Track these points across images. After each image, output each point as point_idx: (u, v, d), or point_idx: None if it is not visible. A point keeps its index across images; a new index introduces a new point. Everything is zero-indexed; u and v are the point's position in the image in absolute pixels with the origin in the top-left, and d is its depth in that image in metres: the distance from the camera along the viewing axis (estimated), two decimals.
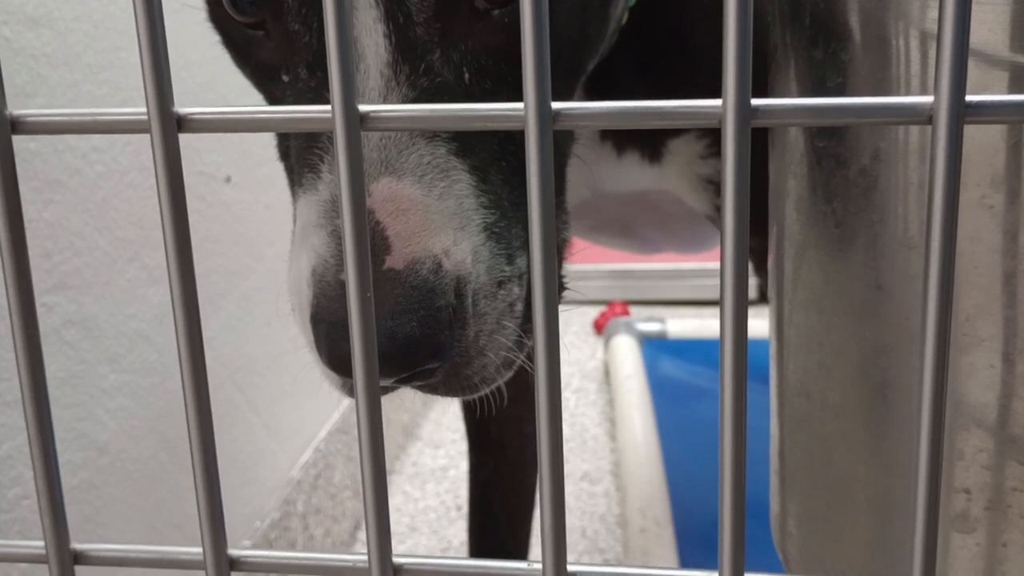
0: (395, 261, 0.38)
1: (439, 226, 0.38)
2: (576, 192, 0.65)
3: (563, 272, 0.50)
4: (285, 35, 0.42)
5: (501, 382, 0.42)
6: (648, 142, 0.61)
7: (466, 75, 0.41)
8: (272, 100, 0.46)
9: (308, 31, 0.41)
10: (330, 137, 0.40)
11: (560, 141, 0.49)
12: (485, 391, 0.42)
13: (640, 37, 0.56)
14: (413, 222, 0.38)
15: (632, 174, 0.63)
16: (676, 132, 0.60)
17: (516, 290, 0.41)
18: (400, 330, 0.37)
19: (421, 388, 0.41)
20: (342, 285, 0.36)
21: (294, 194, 0.44)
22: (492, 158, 0.41)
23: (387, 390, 0.42)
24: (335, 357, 0.38)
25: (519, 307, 0.41)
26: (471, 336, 0.39)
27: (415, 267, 0.38)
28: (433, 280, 0.38)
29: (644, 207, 0.69)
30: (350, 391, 0.43)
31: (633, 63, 0.57)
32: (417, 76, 0.39)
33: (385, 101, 0.39)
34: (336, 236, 0.39)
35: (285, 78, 0.43)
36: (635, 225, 0.73)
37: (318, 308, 0.39)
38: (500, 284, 0.40)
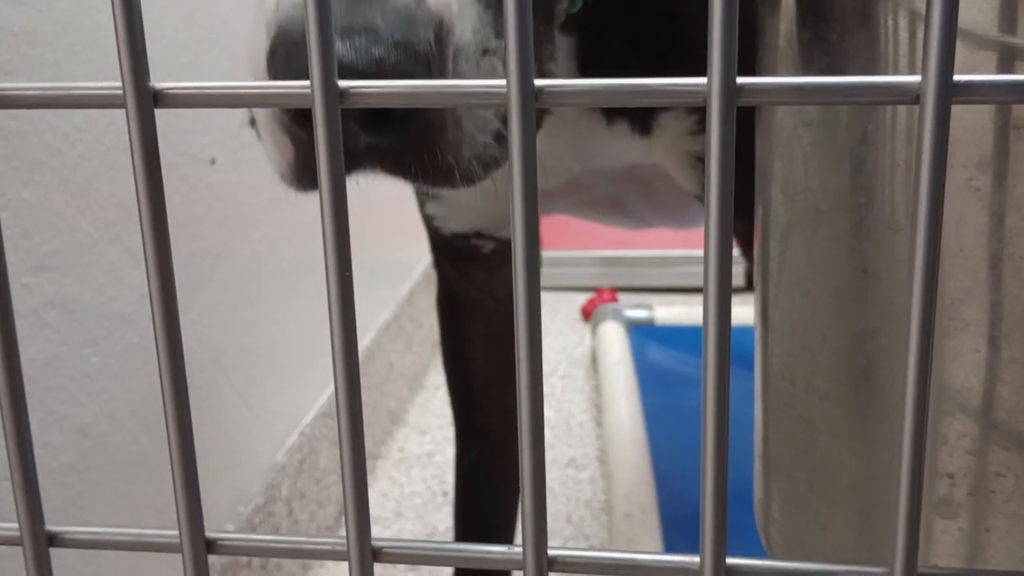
0: None
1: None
2: (566, 168, 0.64)
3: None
4: None
5: (477, 182, 0.39)
6: (638, 113, 0.60)
7: None
8: None
9: None
10: None
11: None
12: (457, 184, 0.38)
13: (632, 11, 0.55)
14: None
15: (621, 146, 0.62)
16: (667, 105, 0.59)
17: (500, 69, 0.38)
18: (373, 48, 0.34)
19: (389, 163, 0.38)
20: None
21: None
22: None
23: (357, 163, 0.38)
24: (290, 72, 0.35)
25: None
26: (450, 66, 0.36)
27: None
28: (413, 7, 0.35)
29: (634, 184, 0.68)
30: (302, 179, 0.39)
31: (624, 38, 0.56)
32: None
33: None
34: None
35: None
36: (626, 202, 0.73)
37: (281, 27, 0.36)
38: (484, 53, 0.38)
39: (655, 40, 0.57)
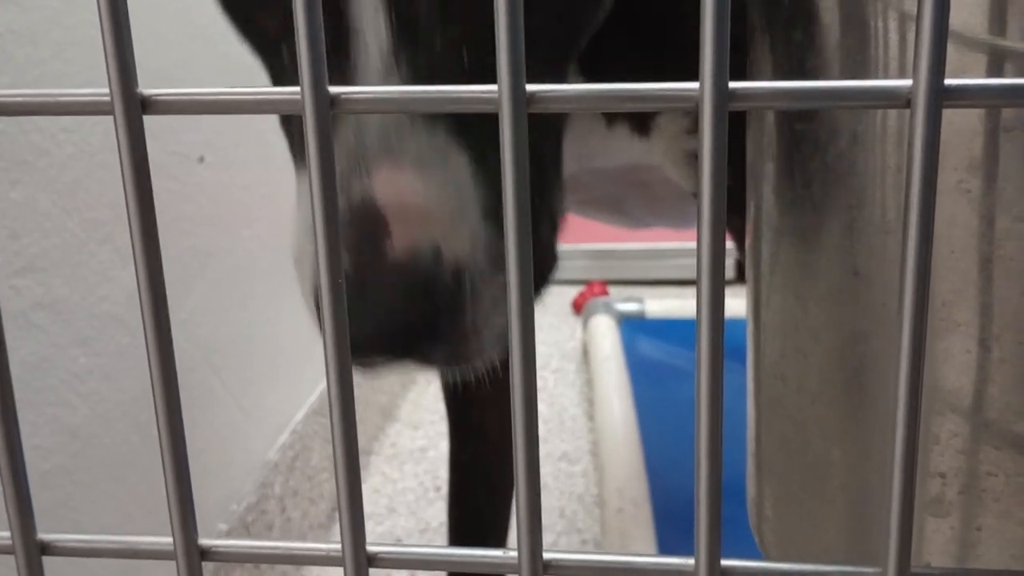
0: (396, 249, 0.38)
1: (439, 213, 0.39)
2: (565, 166, 0.65)
3: (556, 246, 0.50)
4: (287, 16, 0.43)
5: (498, 361, 0.42)
6: (637, 114, 0.61)
7: (465, 57, 0.41)
8: (271, 74, 0.47)
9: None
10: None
11: (554, 119, 0.49)
12: (481, 368, 0.42)
13: (632, 12, 0.55)
14: (413, 209, 0.38)
15: (621, 146, 0.63)
16: None
17: None
18: (398, 316, 0.37)
19: (418, 364, 0.42)
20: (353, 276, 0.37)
21: (296, 166, 0.44)
22: (491, 138, 0.41)
23: (386, 363, 0.42)
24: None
25: None
26: (468, 319, 0.40)
27: (415, 255, 0.38)
28: (432, 268, 0.38)
29: (634, 185, 0.70)
30: (361, 366, 0.43)
31: (624, 41, 0.57)
32: (418, 57, 0.39)
33: (385, 83, 0.39)
34: (344, 218, 0.39)
35: (285, 51, 0.43)
36: (624, 203, 0.74)
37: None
38: (498, 265, 0.40)
39: (655, 43, 0.58)
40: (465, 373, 0.42)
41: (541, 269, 0.47)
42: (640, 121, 0.62)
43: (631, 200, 0.73)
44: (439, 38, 0.40)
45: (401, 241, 0.38)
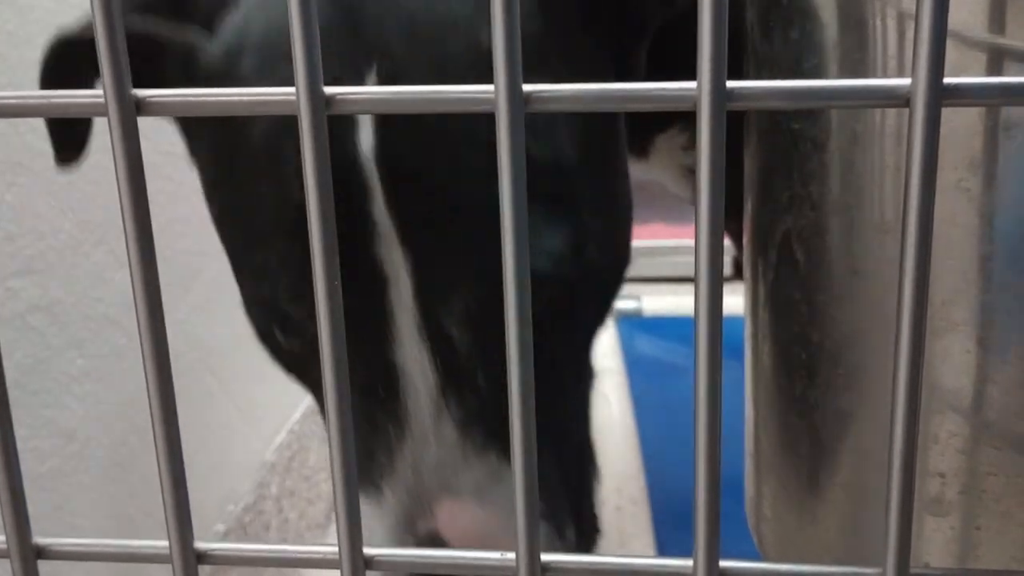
0: None
1: (500, 535, 0.42)
2: None
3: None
4: None
5: None
6: (636, 140, 0.63)
7: (503, 395, 0.44)
8: (318, 401, 0.50)
9: (357, 363, 0.44)
10: (390, 456, 0.43)
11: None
12: None
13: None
14: (478, 539, 0.42)
15: None
16: (662, 127, 0.62)
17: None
18: None
19: None
20: None
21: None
22: (543, 455, 0.44)
23: None
24: None
25: None
26: None
27: None
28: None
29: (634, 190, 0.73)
30: None
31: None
32: (465, 397, 0.42)
33: (436, 424, 0.42)
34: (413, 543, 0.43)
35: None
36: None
37: None
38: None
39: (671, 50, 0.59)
40: None
41: None
42: (640, 146, 0.64)
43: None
44: (481, 375, 0.42)
45: None
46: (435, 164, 0.41)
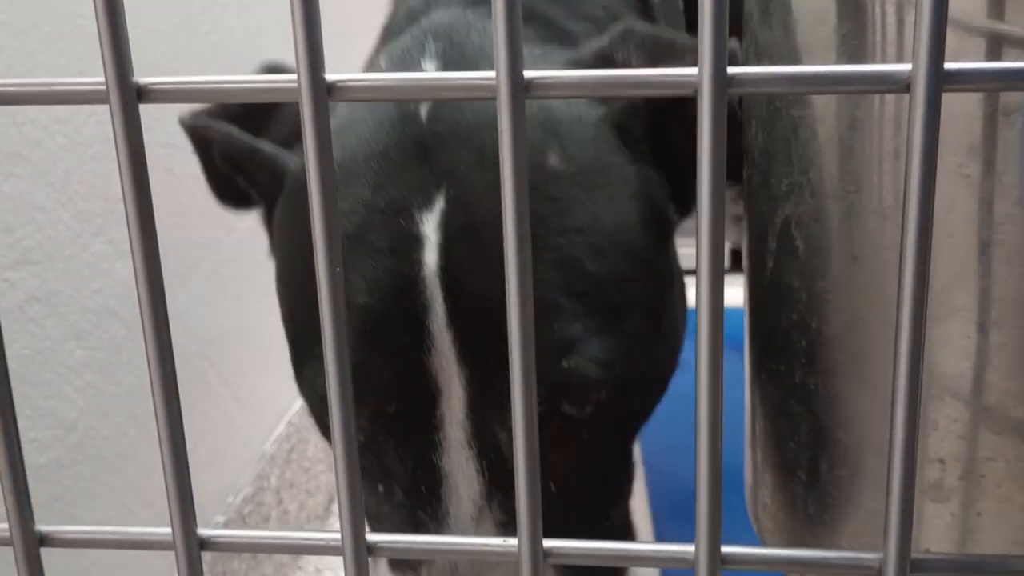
0: None
1: None
2: None
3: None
4: (383, 460, 0.47)
5: None
6: (684, 195, 0.66)
7: (552, 485, 0.45)
8: (368, 506, 0.50)
9: (403, 465, 0.45)
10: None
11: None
12: None
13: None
14: None
15: None
16: None
17: None
18: None
19: None
20: None
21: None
22: (562, 522, 0.45)
23: None
24: None
25: None
26: None
27: None
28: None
29: None
30: None
31: None
32: (508, 500, 0.44)
33: (478, 526, 0.43)
34: None
35: (380, 488, 0.47)
36: None
37: None
38: None
39: None
40: None
41: None
42: (685, 205, 0.66)
43: None
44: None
45: None
46: (496, 285, 0.42)
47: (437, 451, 0.44)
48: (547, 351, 0.41)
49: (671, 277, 0.50)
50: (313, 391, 0.47)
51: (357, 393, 0.43)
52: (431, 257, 0.42)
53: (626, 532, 0.53)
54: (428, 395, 0.43)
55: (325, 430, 0.51)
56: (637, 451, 1.33)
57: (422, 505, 0.45)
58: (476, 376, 0.42)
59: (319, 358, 0.45)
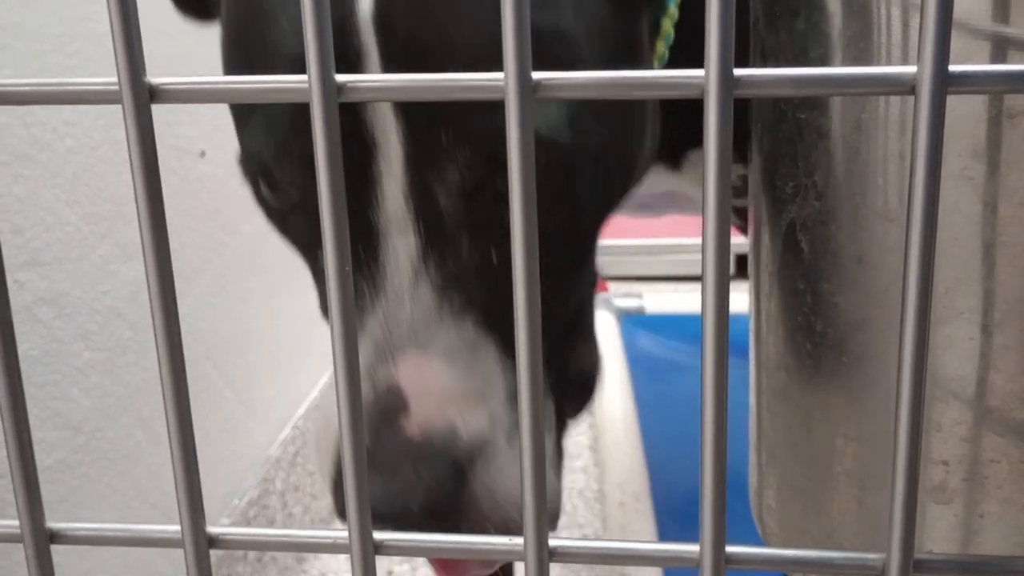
0: (412, 428, 0.40)
1: (459, 394, 0.41)
2: None
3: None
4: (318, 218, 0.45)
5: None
6: (671, 153, 0.65)
7: (494, 255, 0.43)
8: (313, 274, 0.49)
9: None
10: (363, 313, 0.42)
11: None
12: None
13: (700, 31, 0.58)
14: (433, 390, 0.40)
15: (656, 180, 0.66)
16: (696, 142, 0.63)
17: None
18: (411, 495, 0.39)
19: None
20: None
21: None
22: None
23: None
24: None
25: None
26: (486, 496, 0.41)
27: (431, 435, 0.40)
28: (449, 448, 0.40)
29: (665, 198, 0.76)
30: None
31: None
32: (445, 261, 0.42)
33: (413, 285, 0.42)
34: (367, 402, 0.41)
35: (320, 253, 0.46)
36: (657, 206, 0.79)
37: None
38: (514, 435, 0.42)
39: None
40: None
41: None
42: (673, 159, 0.66)
43: (663, 205, 0.79)
44: (466, 245, 0.42)
45: (417, 419, 0.40)
46: (432, 29, 0.40)
47: (374, 208, 0.42)
48: (488, 116, 0.40)
49: (635, 53, 0.48)
50: (251, 155, 0.46)
51: (287, 147, 0.42)
52: (364, 1, 0.40)
53: (589, 341, 0.51)
54: (365, 149, 0.41)
55: (258, 194, 0.49)
56: (629, 394, 1.32)
57: (359, 266, 0.43)
58: (413, 129, 0.40)
59: (250, 124, 0.44)
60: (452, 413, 0.40)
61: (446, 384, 0.40)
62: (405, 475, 0.39)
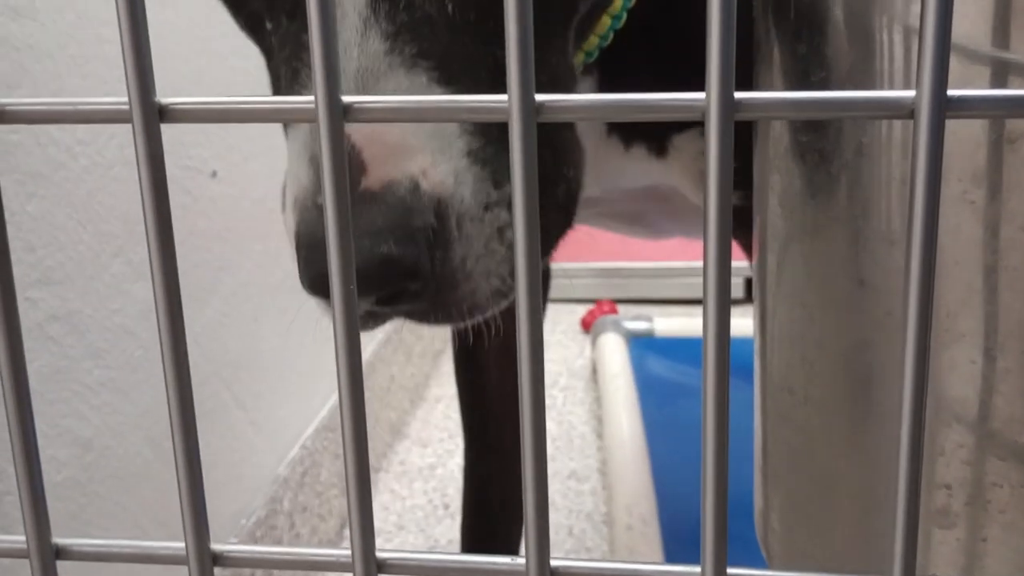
0: (371, 182, 0.37)
1: (417, 148, 0.38)
2: (586, 188, 0.66)
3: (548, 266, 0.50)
4: None
5: (494, 312, 0.41)
6: (654, 137, 0.61)
7: (449, 6, 0.40)
8: (262, 50, 0.47)
9: None
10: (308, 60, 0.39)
11: (568, 144, 0.48)
12: (476, 319, 0.41)
13: (650, 29, 0.56)
14: (389, 146, 0.38)
15: (639, 168, 0.63)
16: (680, 127, 0.60)
17: (504, 215, 0.40)
18: (376, 248, 0.36)
19: (410, 316, 0.41)
20: (321, 209, 0.34)
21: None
22: (478, 85, 0.40)
23: (378, 320, 0.41)
24: (314, 278, 0.38)
25: (510, 234, 0.40)
26: (456, 259, 0.39)
27: (391, 187, 0.37)
28: (410, 200, 0.37)
29: (655, 200, 0.70)
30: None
31: (643, 57, 0.57)
32: (397, 11, 0.39)
33: (363, 38, 0.39)
34: (316, 163, 0.39)
35: (269, 25, 0.44)
36: (646, 215, 0.74)
37: (299, 233, 0.39)
38: (487, 208, 0.39)
39: (673, 59, 0.58)
40: (452, 320, 0.40)
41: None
42: (658, 143, 0.62)
43: (653, 212, 0.73)
44: None
45: (376, 175, 0.37)
46: None
47: None
48: None
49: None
50: None
51: None
52: None
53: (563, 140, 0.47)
54: None
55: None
56: (637, 417, 1.30)
57: (302, 17, 0.40)
58: None
59: None
60: (410, 165, 0.38)
61: (399, 137, 0.38)
62: (371, 227, 0.37)
